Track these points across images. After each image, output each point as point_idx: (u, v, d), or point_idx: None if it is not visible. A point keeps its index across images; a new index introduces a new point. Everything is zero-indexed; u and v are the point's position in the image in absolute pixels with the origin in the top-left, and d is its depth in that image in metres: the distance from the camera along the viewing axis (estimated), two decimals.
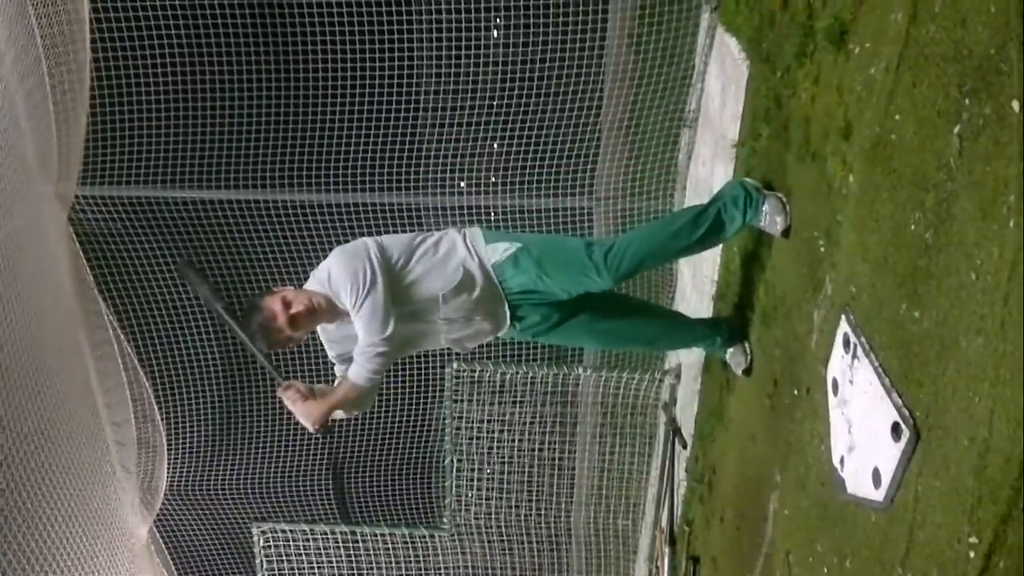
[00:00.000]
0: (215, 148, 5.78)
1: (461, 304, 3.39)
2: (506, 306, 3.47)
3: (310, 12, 5.34)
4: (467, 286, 3.37)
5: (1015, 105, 1.89)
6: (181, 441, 6.94)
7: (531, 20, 5.32)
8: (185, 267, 3.70)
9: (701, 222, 3.43)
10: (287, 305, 3.27)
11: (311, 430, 3.36)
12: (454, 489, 5.80)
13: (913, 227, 2.28)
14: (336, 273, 3.28)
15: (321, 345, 3.57)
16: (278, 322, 3.27)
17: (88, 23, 4.67)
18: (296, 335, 3.34)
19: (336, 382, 3.46)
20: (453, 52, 5.44)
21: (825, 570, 2.75)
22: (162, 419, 6.38)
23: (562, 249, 3.52)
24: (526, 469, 6.02)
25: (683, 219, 3.47)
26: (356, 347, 3.31)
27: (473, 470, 5.86)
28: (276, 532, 5.97)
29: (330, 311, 3.34)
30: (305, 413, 3.31)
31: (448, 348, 3.68)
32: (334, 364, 3.56)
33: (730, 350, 3.83)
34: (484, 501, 5.97)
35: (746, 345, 3.78)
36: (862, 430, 2.50)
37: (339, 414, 3.41)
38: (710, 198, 3.57)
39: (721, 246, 4.39)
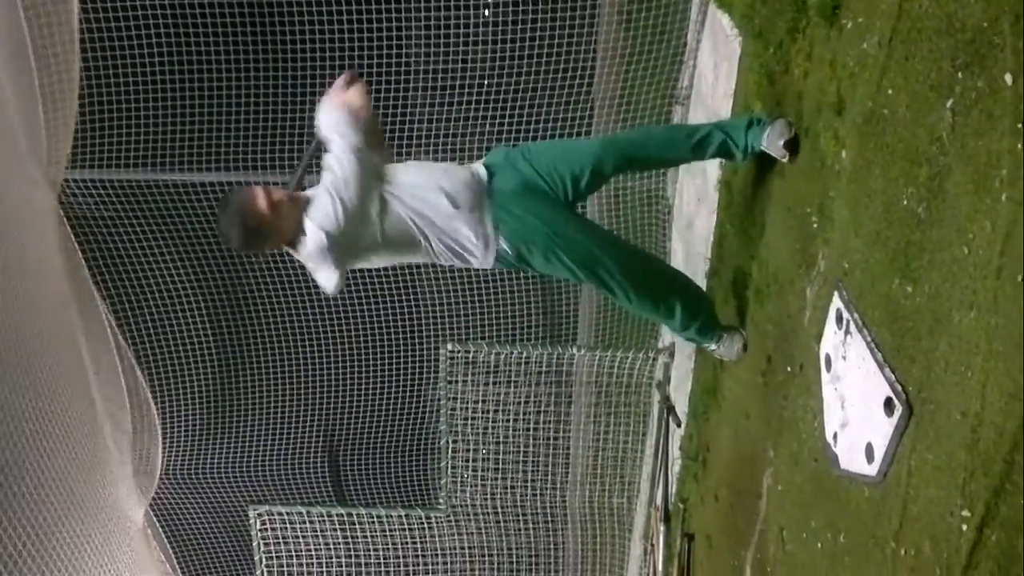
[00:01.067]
0: (205, 130, 5.74)
1: (447, 203, 3.27)
2: (488, 204, 3.31)
3: None
4: (457, 189, 3.31)
5: (1008, 79, 1.88)
6: (176, 424, 6.94)
7: None
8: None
9: (703, 129, 3.42)
10: (268, 192, 3.18)
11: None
12: (450, 470, 5.82)
13: (906, 202, 2.27)
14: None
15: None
16: (259, 203, 3.14)
17: (76, 4, 4.62)
18: (278, 223, 3.18)
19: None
20: (443, 30, 5.41)
21: (819, 545, 2.77)
22: (156, 403, 6.37)
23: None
24: (521, 449, 6.03)
25: (679, 130, 3.40)
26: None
27: (468, 451, 5.87)
28: (273, 515, 5.98)
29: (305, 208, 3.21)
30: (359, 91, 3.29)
31: (433, 264, 3.54)
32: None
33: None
34: (480, 482, 5.98)
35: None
36: (855, 406, 2.50)
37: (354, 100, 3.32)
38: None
39: (715, 222, 4.38)
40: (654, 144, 3.55)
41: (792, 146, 3.18)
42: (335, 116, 3.25)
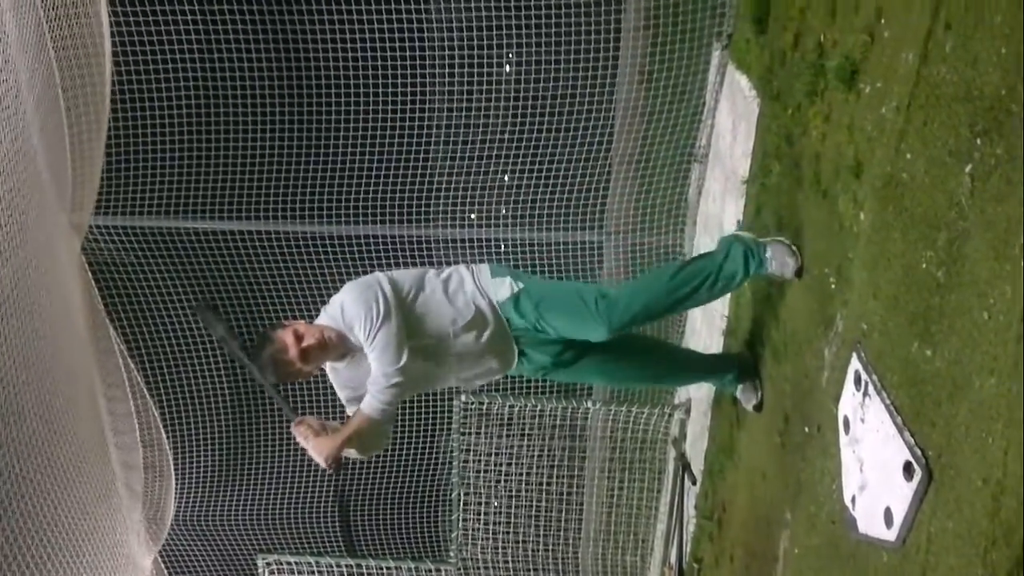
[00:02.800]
0: (228, 180, 5.82)
1: (472, 340, 3.39)
2: (514, 344, 3.47)
3: (325, 47, 5.41)
4: (478, 322, 3.38)
5: None
6: (188, 471, 6.92)
7: (543, 55, 5.37)
8: (204, 308, 3.71)
9: (701, 284, 3.43)
10: (299, 338, 3.27)
11: (323, 466, 3.34)
12: (460, 522, 5.76)
13: (924, 266, 2.28)
14: (349, 306, 3.28)
15: (330, 383, 3.56)
16: (289, 355, 3.26)
17: (109, 56, 4.73)
18: (307, 369, 3.33)
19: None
20: (465, 86, 5.49)
21: None
22: (169, 449, 6.37)
23: (564, 295, 3.52)
24: (533, 503, 5.97)
25: (682, 276, 3.44)
26: (369, 379, 3.30)
27: (480, 503, 5.82)
28: (281, 564, 5.92)
29: (341, 345, 3.34)
30: (318, 449, 3.30)
31: (456, 387, 3.67)
32: (345, 406, 3.55)
33: (740, 386, 3.82)
34: (491, 535, 5.92)
35: (757, 382, 3.76)
36: (874, 469, 2.48)
37: (352, 453, 3.39)
38: (708, 256, 3.55)
39: None
40: (658, 313, 3.62)
41: (800, 273, 3.32)
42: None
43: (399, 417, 6.86)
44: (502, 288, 3.45)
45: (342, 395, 3.52)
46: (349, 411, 3.50)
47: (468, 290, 3.42)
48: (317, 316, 3.45)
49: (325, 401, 6.19)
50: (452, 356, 3.41)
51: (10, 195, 3.83)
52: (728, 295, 4.36)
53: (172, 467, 6.15)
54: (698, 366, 4.03)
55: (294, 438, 3.37)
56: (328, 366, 3.47)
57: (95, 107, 4.80)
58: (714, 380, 3.98)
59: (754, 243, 3.43)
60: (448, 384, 3.67)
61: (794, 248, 3.35)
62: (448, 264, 3.63)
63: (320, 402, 6.22)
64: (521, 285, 3.46)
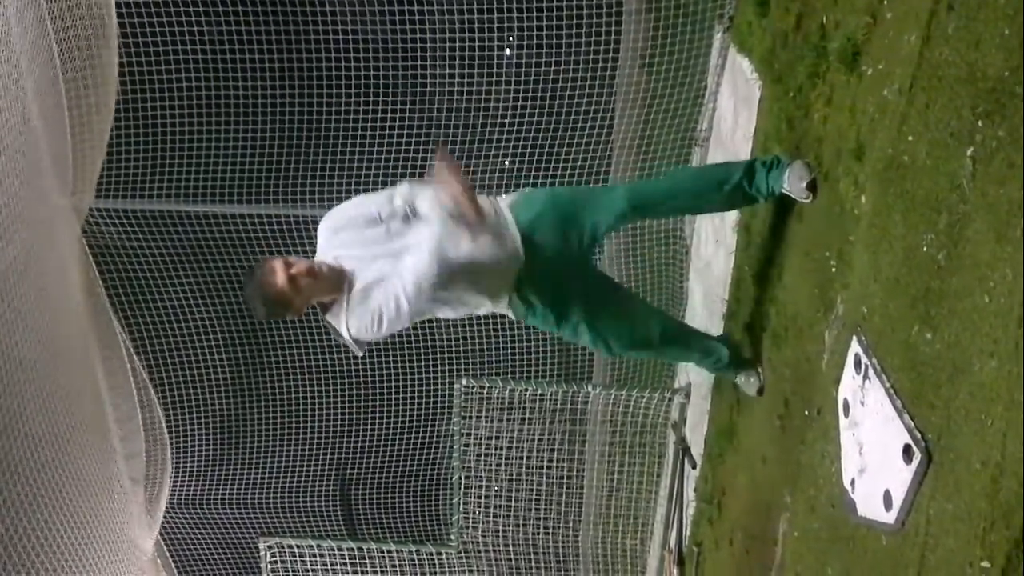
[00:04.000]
0: (229, 163, 5.82)
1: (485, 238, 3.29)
2: (516, 232, 3.34)
3: (326, 31, 5.39)
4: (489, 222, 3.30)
5: None
6: (189, 454, 6.95)
7: (543, 38, 5.35)
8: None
9: (724, 174, 3.42)
10: (288, 265, 3.19)
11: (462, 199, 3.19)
12: (461, 506, 5.78)
13: (925, 248, 2.27)
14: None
15: (324, 332, 3.50)
16: (277, 280, 3.17)
17: (115, 39, 4.71)
18: (295, 299, 3.21)
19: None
20: (466, 69, 5.47)
21: None
22: (170, 432, 6.39)
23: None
24: (534, 487, 5.99)
25: (707, 169, 3.42)
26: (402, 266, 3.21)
27: (481, 487, 5.84)
28: (283, 547, 5.95)
29: (332, 278, 3.23)
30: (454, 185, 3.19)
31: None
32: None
33: (742, 374, 3.81)
34: (492, 519, 5.94)
35: (759, 368, 3.76)
36: (873, 452, 2.49)
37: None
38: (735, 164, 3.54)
39: (733, 264, 4.38)
40: (682, 194, 3.56)
41: (813, 187, 3.21)
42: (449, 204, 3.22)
43: (400, 401, 6.91)
44: (510, 195, 3.45)
45: (337, 335, 3.37)
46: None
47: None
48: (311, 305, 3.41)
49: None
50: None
51: (10, 178, 3.83)
52: (727, 276, 4.35)
53: (171, 450, 6.16)
54: (699, 335, 3.98)
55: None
56: (322, 309, 3.35)
57: (97, 90, 4.78)
58: (712, 360, 3.88)
59: (776, 159, 3.40)
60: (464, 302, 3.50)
61: (814, 170, 3.25)
62: None
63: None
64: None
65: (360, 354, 3.34)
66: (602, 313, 3.55)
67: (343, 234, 3.33)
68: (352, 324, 3.24)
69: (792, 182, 3.26)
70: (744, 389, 3.84)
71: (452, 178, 3.18)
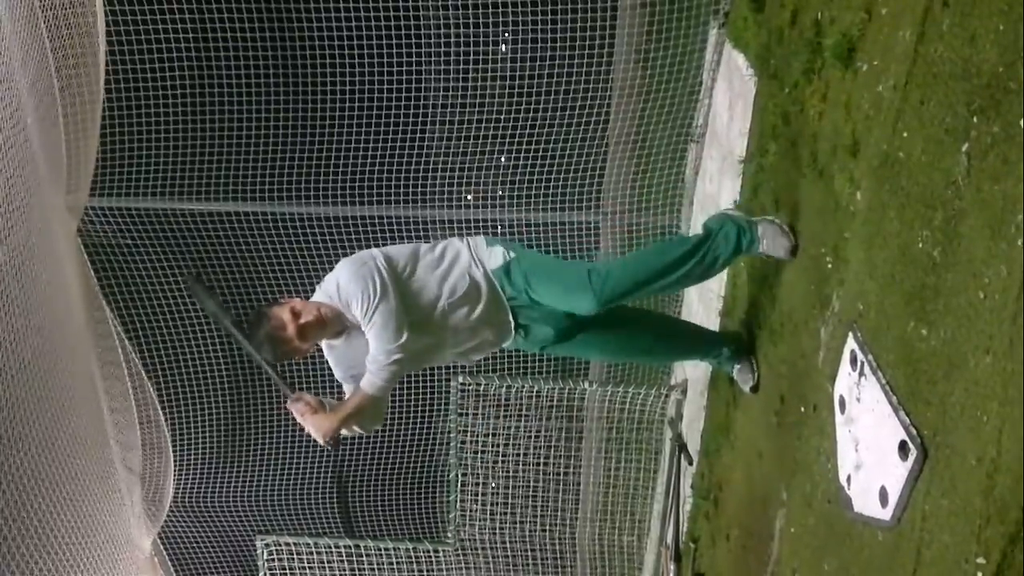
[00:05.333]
0: (224, 161, 5.80)
1: (466, 312, 3.37)
2: (509, 314, 3.45)
3: (319, 27, 5.37)
4: (472, 294, 3.36)
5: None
6: (186, 453, 6.94)
7: (539, 35, 5.34)
8: (193, 282, 3.69)
9: (692, 260, 3.41)
10: (296, 315, 3.25)
11: (321, 443, 3.34)
12: (458, 503, 5.79)
13: (921, 245, 2.27)
14: (345, 284, 3.27)
15: (326, 362, 3.56)
16: (287, 332, 3.24)
17: (102, 36, 4.69)
18: (304, 346, 3.32)
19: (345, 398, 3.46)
20: (461, 66, 5.46)
21: None
22: (167, 431, 6.38)
23: (554, 267, 3.54)
24: (531, 484, 6.00)
25: (674, 253, 3.42)
26: (368, 357, 3.29)
27: (477, 484, 5.84)
28: (280, 545, 5.95)
29: (338, 322, 3.32)
30: (316, 426, 3.30)
31: (454, 363, 3.67)
32: (342, 384, 3.55)
33: (737, 366, 3.82)
34: (488, 516, 5.94)
35: (753, 361, 3.77)
36: (869, 448, 2.49)
37: (350, 431, 3.39)
38: (700, 234, 3.53)
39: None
40: (648, 289, 3.56)
41: (795, 252, 3.31)
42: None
43: (397, 399, 6.90)
44: (495, 257, 3.43)
45: (338, 372, 3.52)
46: (346, 389, 3.50)
47: (463, 262, 3.39)
48: (312, 295, 3.44)
49: (321, 379, 6.19)
50: (448, 329, 3.39)
51: (5, 177, 3.81)
52: (724, 273, 4.36)
53: (170, 448, 6.16)
54: (695, 338, 4.01)
55: (291, 415, 3.37)
56: (324, 344, 3.46)
57: (89, 88, 4.77)
58: (710, 358, 3.97)
59: (745, 222, 3.43)
60: (446, 360, 3.67)
61: (786, 228, 3.33)
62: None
63: (316, 380, 6.22)
64: (513, 255, 3.44)
65: (398, 358, 3.30)
66: (604, 334, 3.65)
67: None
68: (378, 322, 3.26)
69: (772, 249, 3.36)
70: (740, 384, 3.85)
71: (312, 422, 3.33)
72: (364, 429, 3.44)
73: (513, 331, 3.50)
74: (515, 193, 5.86)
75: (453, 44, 5.37)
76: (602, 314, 3.57)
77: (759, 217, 3.47)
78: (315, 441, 3.39)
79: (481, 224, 5.89)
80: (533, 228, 5.86)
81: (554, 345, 3.64)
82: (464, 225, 5.88)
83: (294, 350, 3.32)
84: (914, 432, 2.23)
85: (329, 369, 3.56)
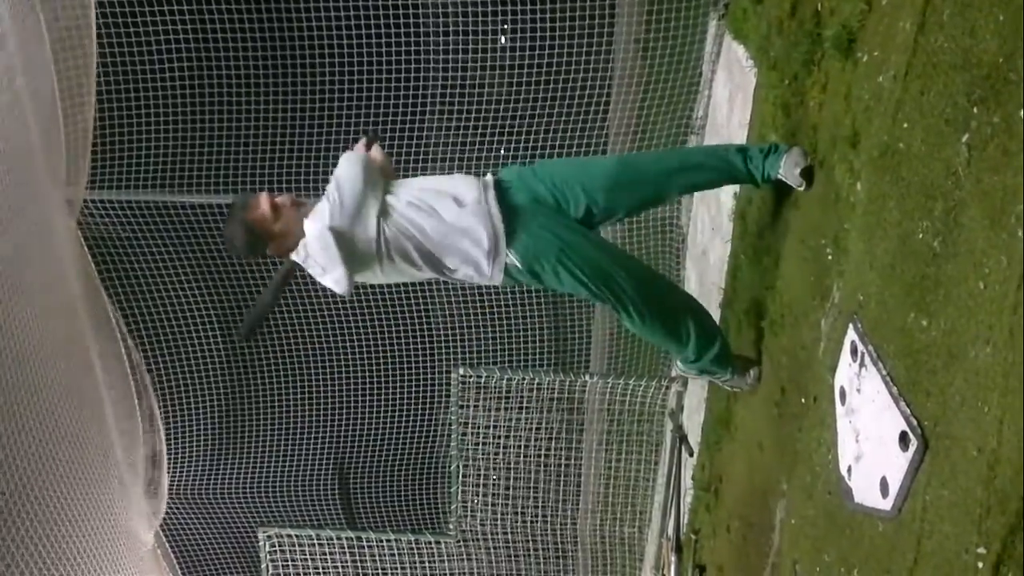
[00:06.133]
0: (223, 152, 5.80)
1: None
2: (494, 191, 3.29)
3: (318, 18, 5.36)
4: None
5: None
6: (187, 445, 6.95)
7: (539, 26, 5.33)
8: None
9: (713, 152, 3.41)
10: (271, 196, 3.28)
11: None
12: (459, 495, 5.80)
13: (921, 235, 2.27)
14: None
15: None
16: (260, 204, 3.23)
17: (95, 27, 4.69)
18: (275, 227, 3.25)
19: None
20: (461, 56, 5.46)
21: None
22: (168, 423, 6.39)
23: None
24: (532, 475, 6.00)
25: (702, 147, 3.39)
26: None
27: (479, 476, 5.85)
28: (282, 537, 5.96)
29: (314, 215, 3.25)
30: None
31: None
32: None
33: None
34: (490, 507, 5.95)
35: (758, 372, 3.66)
36: (870, 439, 2.49)
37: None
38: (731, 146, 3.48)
39: (729, 252, 4.38)
40: (672, 162, 3.45)
41: (808, 175, 3.19)
42: (354, 156, 3.32)
43: (398, 391, 6.91)
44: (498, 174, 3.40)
45: (317, 275, 3.35)
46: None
47: (456, 175, 3.40)
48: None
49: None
50: (429, 221, 3.25)
51: (3, 169, 3.81)
52: (724, 264, 4.35)
53: (165, 440, 6.16)
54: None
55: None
56: (299, 256, 3.33)
57: (88, 80, 4.77)
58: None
59: (773, 145, 3.34)
60: (422, 270, 3.39)
61: (808, 156, 3.19)
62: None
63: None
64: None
65: (344, 283, 3.23)
66: (622, 266, 3.36)
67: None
68: (315, 217, 3.21)
69: (787, 168, 3.24)
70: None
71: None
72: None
73: (502, 234, 3.24)
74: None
75: (452, 35, 5.36)
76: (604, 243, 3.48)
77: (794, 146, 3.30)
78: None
79: None
80: None
81: (544, 272, 3.33)
82: None
83: (266, 228, 3.25)
84: (915, 423, 2.23)
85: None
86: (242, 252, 3.39)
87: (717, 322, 3.88)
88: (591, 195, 3.31)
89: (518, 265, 3.28)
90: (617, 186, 3.33)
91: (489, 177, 3.37)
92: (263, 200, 3.25)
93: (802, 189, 3.23)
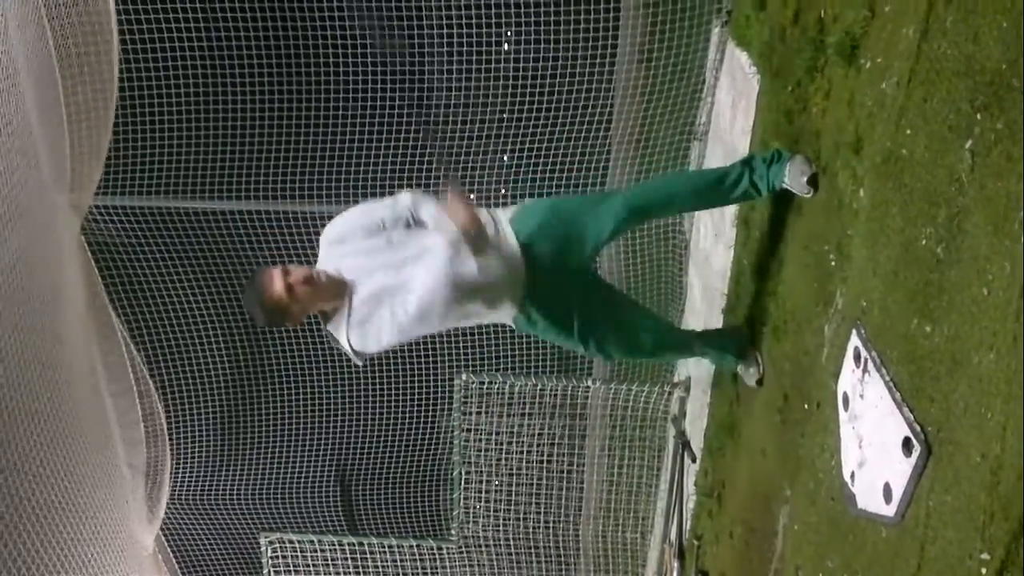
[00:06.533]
0: (229, 159, 5.81)
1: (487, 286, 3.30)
2: (518, 249, 3.33)
3: (323, 26, 5.38)
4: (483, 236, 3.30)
5: None
6: (190, 450, 6.95)
7: (542, 33, 5.35)
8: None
9: (722, 176, 3.42)
10: (286, 274, 3.19)
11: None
12: (462, 501, 5.79)
13: (924, 242, 2.28)
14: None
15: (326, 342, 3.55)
16: (274, 286, 3.18)
17: (115, 34, 4.70)
18: (293, 307, 3.23)
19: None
20: (464, 65, 5.47)
21: None
22: (171, 428, 6.39)
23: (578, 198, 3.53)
24: (534, 481, 6.00)
25: (707, 172, 3.43)
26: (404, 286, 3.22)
27: (481, 482, 5.85)
28: (283, 542, 5.96)
29: (332, 288, 3.23)
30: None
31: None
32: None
33: (741, 363, 3.82)
34: (492, 513, 5.95)
35: (757, 356, 3.77)
36: (873, 445, 2.49)
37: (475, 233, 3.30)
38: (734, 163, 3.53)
39: (732, 258, 4.39)
40: (681, 195, 3.58)
41: (814, 182, 3.21)
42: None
43: (400, 396, 6.91)
44: (511, 208, 3.43)
45: (338, 345, 3.39)
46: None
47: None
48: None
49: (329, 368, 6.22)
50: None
51: (6, 175, 3.82)
52: (727, 270, 4.36)
53: (168, 444, 6.16)
54: (698, 335, 4.03)
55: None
56: (325, 319, 3.36)
57: (96, 85, 4.77)
58: (713, 356, 3.97)
59: (776, 154, 3.38)
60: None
61: (813, 164, 3.24)
62: None
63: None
64: (527, 202, 3.50)
65: (360, 364, 3.36)
66: (600, 325, 3.58)
67: (345, 245, 3.33)
68: (353, 338, 3.25)
69: (793, 177, 3.26)
70: (744, 379, 3.85)
71: (464, 211, 3.24)
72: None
73: (522, 268, 3.34)
74: (517, 192, 5.87)
75: (456, 43, 5.37)
76: (608, 307, 3.55)
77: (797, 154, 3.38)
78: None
79: None
80: None
81: (558, 333, 3.57)
82: None
83: (282, 309, 3.22)
84: (918, 428, 2.23)
85: (320, 333, 3.53)
86: (264, 326, 3.44)
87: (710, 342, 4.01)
88: (601, 234, 3.46)
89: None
90: (626, 224, 3.52)
91: (514, 243, 3.39)
92: (277, 283, 3.19)
93: (809, 196, 3.24)
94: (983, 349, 1.98)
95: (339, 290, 3.25)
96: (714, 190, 3.45)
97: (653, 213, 3.69)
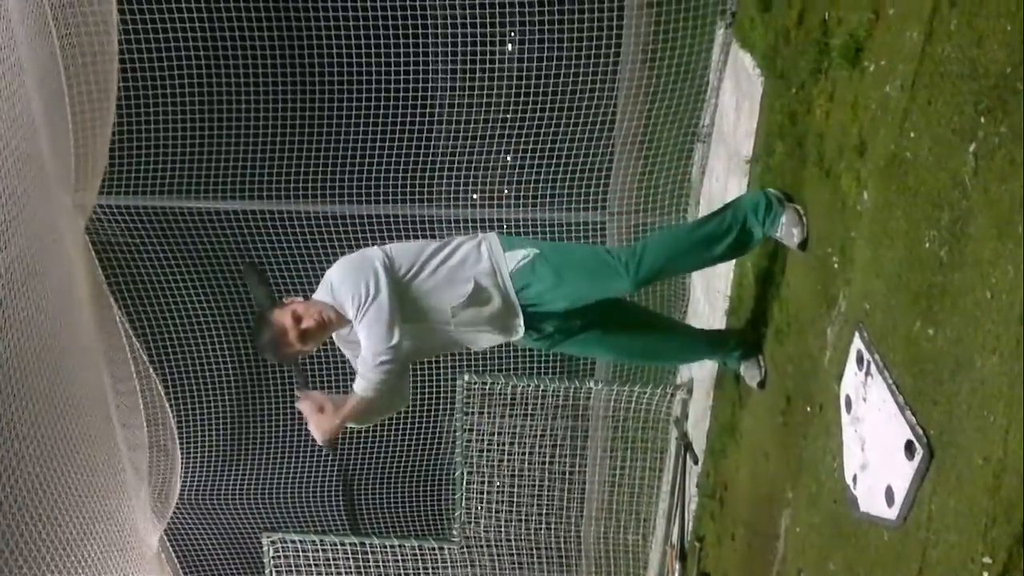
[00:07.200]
0: (232, 159, 5.82)
1: (473, 316, 3.37)
2: (520, 317, 3.43)
3: (327, 26, 5.39)
4: (479, 299, 3.34)
5: None
6: (193, 450, 6.96)
7: (546, 34, 5.35)
8: (249, 270, 3.74)
9: (725, 233, 3.40)
10: (297, 320, 3.25)
11: (320, 443, 3.36)
12: (464, 501, 5.80)
13: (928, 245, 2.28)
14: (338, 285, 3.26)
15: (341, 352, 3.57)
16: (289, 337, 3.26)
17: (117, 33, 4.71)
18: (306, 348, 3.33)
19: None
20: (468, 65, 5.47)
21: None
22: (175, 427, 6.40)
23: (580, 254, 3.54)
24: (536, 483, 6.00)
25: (706, 229, 3.42)
26: (359, 358, 3.28)
27: (483, 483, 5.85)
28: (286, 542, 5.97)
29: (340, 322, 3.33)
30: (317, 425, 3.31)
31: (460, 352, 3.69)
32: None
33: (744, 363, 3.82)
34: (494, 514, 5.95)
35: (760, 359, 3.77)
36: (875, 448, 2.49)
37: (355, 423, 3.41)
38: (732, 207, 3.51)
39: (734, 260, 4.38)
40: (682, 265, 3.71)
41: (804, 245, 3.28)
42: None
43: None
44: (514, 257, 3.40)
45: (348, 354, 3.51)
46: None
47: (470, 264, 3.36)
48: (315, 292, 3.45)
49: (338, 373, 6.22)
50: (451, 331, 3.40)
51: (11, 175, 3.83)
52: (730, 273, 4.36)
53: (177, 446, 6.18)
54: (701, 343, 4.04)
55: (298, 411, 3.40)
56: (336, 336, 3.46)
57: (99, 86, 4.78)
58: (717, 357, 3.98)
59: (777, 201, 3.38)
60: (448, 351, 3.72)
61: (804, 220, 3.29)
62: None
63: (334, 373, 6.24)
64: (536, 251, 3.42)
65: (386, 359, 3.29)
66: (610, 332, 3.68)
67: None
68: (367, 324, 3.27)
69: (786, 235, 3.34)
70: (746, 381, 3.85)
71: (322, 427, 3.33)
72: (372, 421, 3.46)
73: (522, 332, 3.48)
74: (521, 192, 5.87)
75: (460, 43, 5.38)
76: (611, 315, 3.58)
77: (789, 204, 3.41)
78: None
79: (487, 223, 5.90)
80: (539, 227, 5.87)
81: (561, 344, 3.64)
82: (470, 224, 5.88)
83: (297, 352, 3.34)
84: (920, 432, 2.23)
85: (342, 360, 3.57)
86: (273, 361, 3.49)
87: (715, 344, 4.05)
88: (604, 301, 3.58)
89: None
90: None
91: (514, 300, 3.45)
92: (291, 333, 3.25)
93: (799, 251, 3.31)
94: (986, 352, 1.98)
95: (344, 321, 3.34)
96: (708, 253, 3.48)
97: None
